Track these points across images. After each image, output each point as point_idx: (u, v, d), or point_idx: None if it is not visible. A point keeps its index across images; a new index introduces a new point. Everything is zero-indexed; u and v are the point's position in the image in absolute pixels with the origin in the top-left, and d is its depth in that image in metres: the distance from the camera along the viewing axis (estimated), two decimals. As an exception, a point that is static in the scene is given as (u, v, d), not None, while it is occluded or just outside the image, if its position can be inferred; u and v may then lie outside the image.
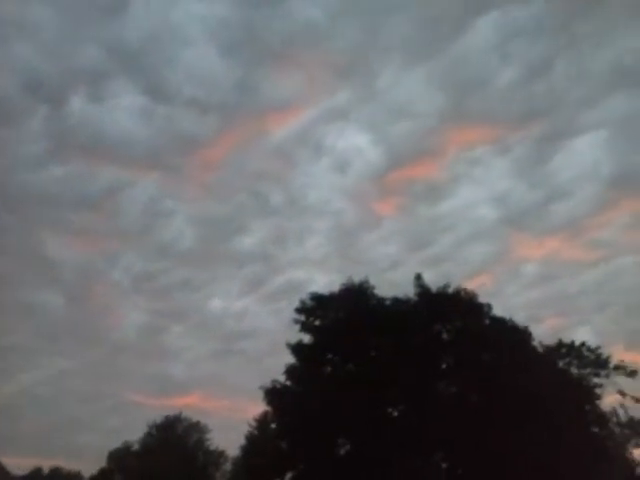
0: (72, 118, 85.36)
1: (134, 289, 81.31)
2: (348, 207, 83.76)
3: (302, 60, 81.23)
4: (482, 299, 33.35)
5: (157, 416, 50.85)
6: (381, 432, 29.33)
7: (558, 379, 31.32)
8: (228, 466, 50.43)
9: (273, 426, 33.68)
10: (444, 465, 32.28)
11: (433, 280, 33.75)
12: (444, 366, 32.75)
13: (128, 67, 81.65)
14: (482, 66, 76.45)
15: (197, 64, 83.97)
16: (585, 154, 76.66)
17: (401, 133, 78.65)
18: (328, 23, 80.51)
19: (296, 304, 34.18)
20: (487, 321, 32.58)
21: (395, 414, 32.69)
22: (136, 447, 50.93)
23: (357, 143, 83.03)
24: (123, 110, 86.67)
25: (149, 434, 49.65)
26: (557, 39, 78.12)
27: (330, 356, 33.60)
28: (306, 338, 33.59)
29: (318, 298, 34.03)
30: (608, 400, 34.10)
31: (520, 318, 41.10)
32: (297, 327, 33.80)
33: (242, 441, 40.47)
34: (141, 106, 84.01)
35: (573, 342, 35.53)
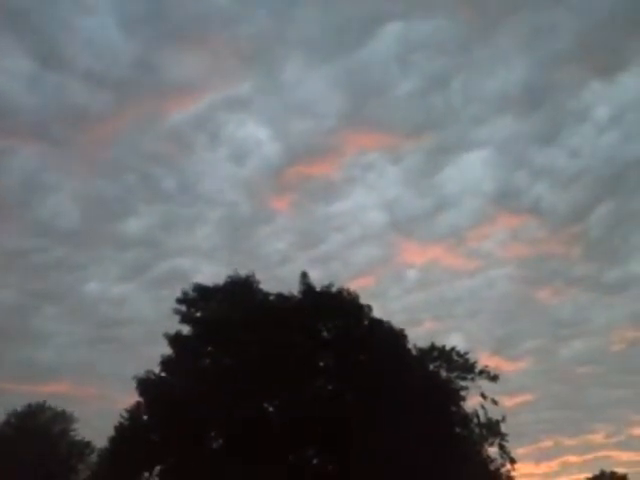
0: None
1: (5, 266, 75.77)
2: (242, 199, 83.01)
3: (208, 43, 79.30)
4: (365, 300, 34.28)
5: (19, 403, 47.77)
6: (255, 427, 29.30)
7: (428, 381, 32.79)
8: (94, 457, 48.25)
9: (145, 418, 32.58)
10: (315, 461, 32.85)
11: (321, 278, 34.26)
12: (322, 364, 33.29)
13: (16, 26, 75.54)
14: (383, 74, 78.78)
15: (95, 34, 79.39)
16: (471, 169, 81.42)
17: (300, 130, 79.16)
18: (239, 7, 79.17)
19: (180, 294, 33.47)
20: (367, 322, 33.48)
21: (271, 409, 32.80)
22: (-9, 436, 47.55)
23: (256, 135, 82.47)
24: (6, 73, 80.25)
25: (7, 423, 46.44)
26: (456, 57, 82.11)
27: (209, 349, 33.12)
28: (185, 329, 32.92)
29: (201, 289, 33.42)
30: (471, 402, 36.20)
31: (399, 320, 42.76)
32: (178, 317, 33.08)
33: (111, 432, 38.97)
34: (29, 72, 78.06)
35: (444, 346, 37.31)
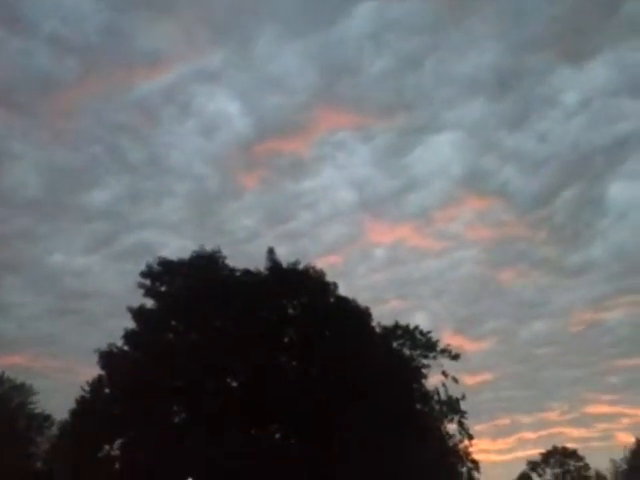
0: None
1: (-37, 235, 73.72)
2: (210, 174, 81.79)
3: (179, 12, 77.56)
4: (332, 278, 34.45)
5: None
6: (219, 402, 29.35)
7: (391, 359, 33.26)
8: (54, 430, 47.72)
9: (107, 391, 32.33)
10: (278, 436, 33.13)
11: (289, 255, 34.17)
12: (287, 340, 33.43)
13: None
14: (356, 52, 78.19)
15: (62, -2, 76.61)
16: (441, 151, 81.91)
17: (272, 106, 78.12)
18: (211, -25, 77.01)
19: (144, 267, 33.08)
20: (332, 299, 33.66)
21: (234, 384, 32.88)
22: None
23: (226, 109, 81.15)
24: (-34, 35, 77.15)
25: (-38, 396, 45.55)
26: (429, 39, 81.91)
27: (173, 323, 32.92)
28: (150, 303, 32.61)
29: (166, 263, 33.07)
30: (433, 380, 36.92)
31: (366, 299, 43.17)
32: (142, 291, 32.73)
33: (73, 405, 38.57)
34: (-9, 34, 75.14)
35: (408, 325, 37.91)
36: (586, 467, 55.48)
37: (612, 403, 71.53)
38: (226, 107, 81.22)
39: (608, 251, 75.27)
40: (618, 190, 77.47)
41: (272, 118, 76.28)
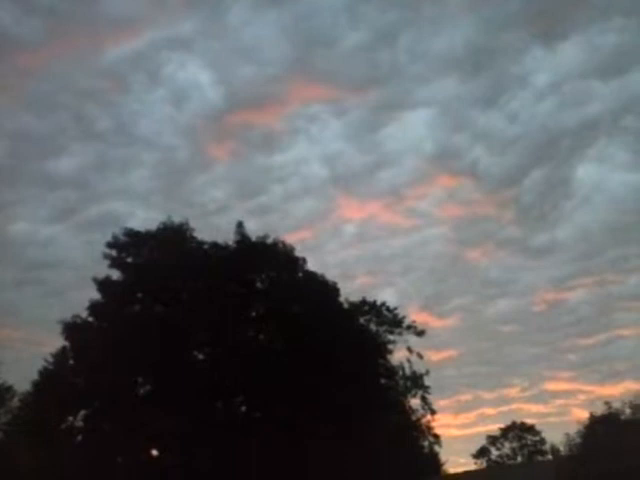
0: None
1: None
2: (180, 144, 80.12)
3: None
4: (301, 253, 34.46)
5: None
6: (184, 374, 29.32)
7: (357, 334, 33.58)
8: (16, 402, 47.17)
9: (71, 362, 32.01)
10: (243, 408, 33.34)
11: (259, 229, 33.93)
12: (254, 314, 33.47)
13: None
14: (331, 24, 76.83)
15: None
16: (413, 128, 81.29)
17: (244, 76, 76.45)
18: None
19: (110, 238, 32.64)
20: (300, 274, 33.74)
21: (201, 357, 32.88)
22: None
23: (198, 78, 79.25)
24: None
25: None
26: (405, 13, 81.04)
27: (140, 295, 32.62)
28: (115, 274, 32.22)
29: (133, 234, 32.65)
30: (398, 355, 37.42)
31: (335, 274, 43.30)
32: (107, 262, 32.30)
33: (35, 376, 38.15)
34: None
35: (375, 301, 38.20)
36: (542, 441, 57.45)
37: (570, 380, 73.84)
38: (197, 76, 79.42)
39: (573, 233, 76.55)
40: (585, 173, 78.62)
41: (244, 89, 74.91)
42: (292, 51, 73.94)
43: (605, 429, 18.65)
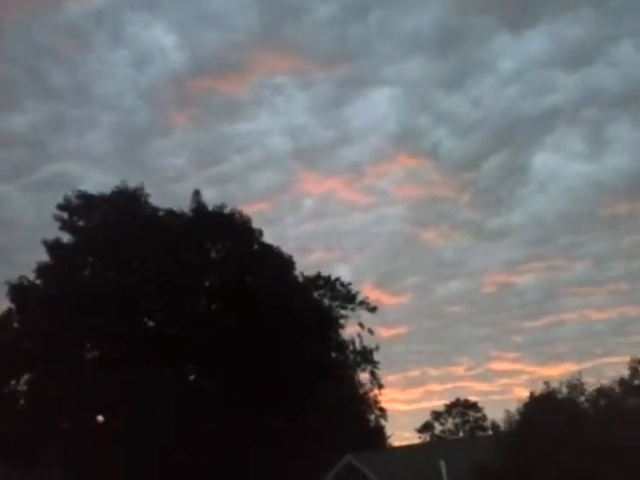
0: None
1: None
2: (140, 107, 77.78)
3: None
4: (259, 225, 34.24)
5: None
6: (134, 341, 29.05)
7: (310, 307, 33.80)
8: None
9: (16, 325, 31.28)
10: (192, 377, 33.31)
11: (217, 199, 33.47)
12: (208, 284, 33.28)
13: None
14: (301, -5, 75.67)
15: None
16: (377, 106, 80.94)
17: (209, 42, 74.45)
18: None
19: (62, 200, 31.81)
20: (256, 246, 33.62)
21: (151, 324, 32.60)
22: None
23: (161, 41, 76.74)
24: None
25: None
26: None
27: (90, 260, 32.00)
28: (66, 238, 31.48)
29: (85, 197, 31.90)
30: (349, 330, 37.94)
31: (291, 248, 43.37)
32: (58, 224, 31.52)
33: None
34: None
35: (329, 276, 38.54)
36: (484, 418, 59.43)
37: (514, 360, 76.12)
38: (161, 39, 76.78)
39: (526, 218, 78.03)
40: (541, 160, 79.90)
41: (209, 55, 73.01)
42: (260, 20, 72.52)
43: (543, 407, 19.34)
